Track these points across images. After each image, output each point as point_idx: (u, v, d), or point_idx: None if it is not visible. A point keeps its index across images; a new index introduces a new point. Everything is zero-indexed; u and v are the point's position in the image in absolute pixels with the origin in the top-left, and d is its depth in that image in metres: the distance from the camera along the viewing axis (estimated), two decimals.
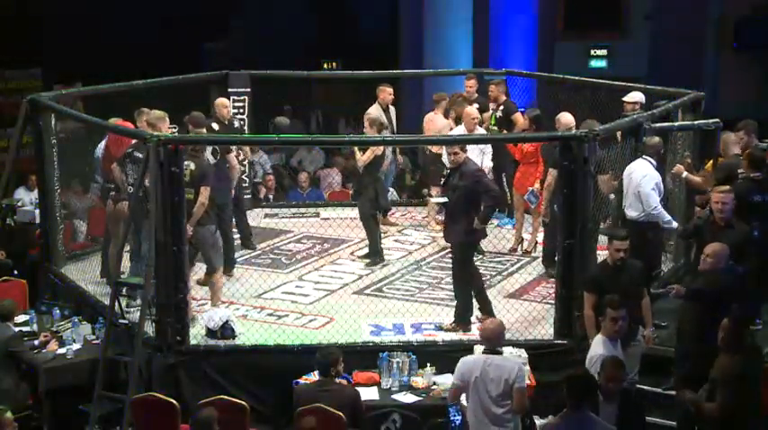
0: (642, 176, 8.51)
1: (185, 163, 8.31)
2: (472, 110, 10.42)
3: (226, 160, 9.72)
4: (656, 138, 8.75)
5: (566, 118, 9.52)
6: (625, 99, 10.61)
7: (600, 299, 7.28)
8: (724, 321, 6.64)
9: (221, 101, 10.74)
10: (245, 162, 11.16)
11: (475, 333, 8.37)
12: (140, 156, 8.47)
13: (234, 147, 9.94)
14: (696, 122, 9.66)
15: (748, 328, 7.37)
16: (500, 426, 6.55)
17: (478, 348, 7.88)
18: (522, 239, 10.58)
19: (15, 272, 9.95)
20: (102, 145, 9.61)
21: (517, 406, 6.54)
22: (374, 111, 11.19)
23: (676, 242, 9.61)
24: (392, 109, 11.59)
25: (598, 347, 6.81)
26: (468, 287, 8.50)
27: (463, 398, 6.80)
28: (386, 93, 11.40)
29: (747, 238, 7.85)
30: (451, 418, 7.20)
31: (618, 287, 7.25)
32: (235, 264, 9.75)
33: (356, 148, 10.27)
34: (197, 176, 8.36)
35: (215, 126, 10.16)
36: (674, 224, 8.62)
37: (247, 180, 11.74)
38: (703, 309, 7.17)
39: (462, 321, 8.46)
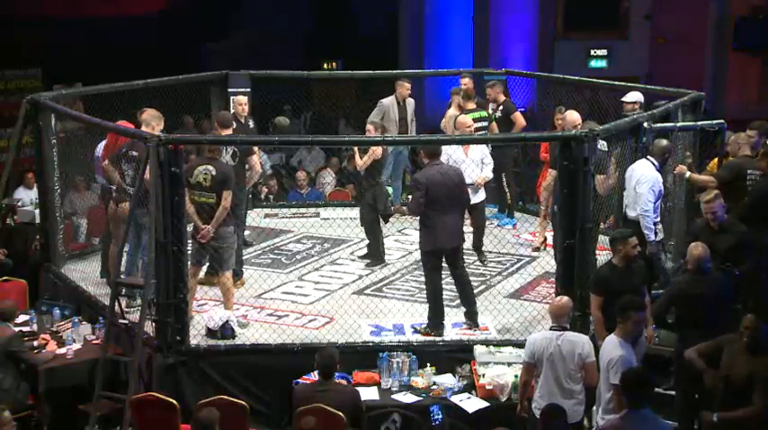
0: (641, 176, 8.53)
1: (204, 167, 8.33)
2: (467, 119, 10.13)
3: (245, 162, 9.70)
4: (664, 142, 8.74)
5: (571, 116, 9.46)
6: (624, 99, 10.59)
7: (606, 299, 7.29)
8: (749, 317, 6.63)
9: (240, 98, 10.76)
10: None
11: (476, 333, 8.37)
12: (135, 154, 8.47)
13: (256, 148, 9.91)
14: (700, 123, 9.64)
15: None
16: (571, 399, 6.73)
17: (478, 348, 7.90)
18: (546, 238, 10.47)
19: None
20: (101, 145, 9.60)
21: (590, 379, 6.77)
22: (387, 101, 11.26)
23: (676, 242, 9.61)
24: (410, 102, 11.61)
25: (615, 350, 6.65)
26: (433, 290, 8.34)
27: None
28: (404, 88, 11.51)
29: (743, 240, 7.86)
30: (433, 418, 7.24)
31: (627, 287, 7.24)
32: (242, 274, 9.57)
33: (356, 151, 10.26)
34: (219, 181, 8.30)
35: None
36: (653, 237, 8.46)
37: None
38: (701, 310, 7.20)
39: (434, 325, 8.32)
